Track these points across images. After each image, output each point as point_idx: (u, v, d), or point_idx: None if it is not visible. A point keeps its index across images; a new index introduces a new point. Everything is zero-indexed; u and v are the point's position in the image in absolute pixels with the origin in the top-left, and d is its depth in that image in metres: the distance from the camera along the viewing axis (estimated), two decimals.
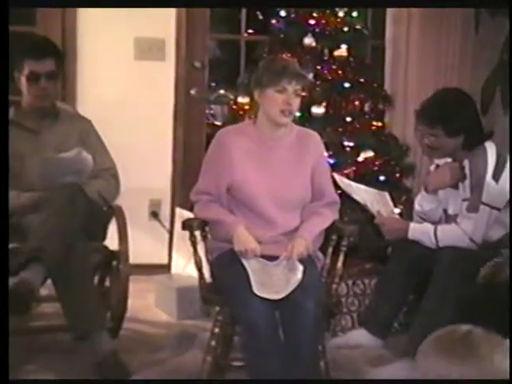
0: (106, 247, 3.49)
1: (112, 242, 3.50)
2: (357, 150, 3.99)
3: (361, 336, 3.38)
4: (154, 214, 4.74)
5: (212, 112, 5.22)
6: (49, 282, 3.14)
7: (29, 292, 3.00)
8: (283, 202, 3.04)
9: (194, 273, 3.16)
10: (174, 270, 4.43)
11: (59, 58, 3.57)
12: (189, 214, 4.08)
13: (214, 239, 3.10)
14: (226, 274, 2.96)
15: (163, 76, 4.64)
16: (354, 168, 3.92)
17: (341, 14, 4.07)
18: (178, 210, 4.44)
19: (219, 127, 4.43)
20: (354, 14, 4.11)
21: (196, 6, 4.50)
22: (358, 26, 4.15)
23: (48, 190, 3.32)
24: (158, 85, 4.64)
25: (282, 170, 3.06)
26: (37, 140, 3.54)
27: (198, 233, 3.09)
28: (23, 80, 3.49)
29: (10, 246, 3.24)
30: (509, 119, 4.34)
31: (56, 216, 3.17)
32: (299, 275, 2.88)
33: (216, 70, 5.06)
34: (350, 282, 3.77)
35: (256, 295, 2.79)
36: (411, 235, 3.30)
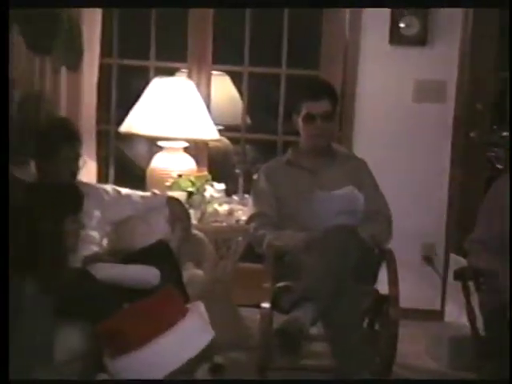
0: (376, 291, 3.45)
1: (381, 285, 3.47)
2: None
3: None
4: (427, 259, 4.62)
5: (494, 155, 5.00)
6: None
7: (299, 331, 3.04)
8: None
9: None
10: (447, 317, 4.28)
11: (334, 99, 3.64)
12: (465, 261, 3.93)
13: (489, 291, 2.94)
14: (503, 330, 2.79)
15: (441, 117, 4.53)
16: None
17: None
18: (452, 256, 4.30)
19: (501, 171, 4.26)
20: None
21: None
22: None
23: (321, 230, 3.35)
24: (436, 126, 4.55)
25: None
26: (313, 180, 3.60)
27: (471, 283, 2.95)
28: (300, 121, 3.59)
29: (284, 283, 3.33)
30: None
31: (329, 257, 3.20)
32: None
33: (499, 110, 4.84)
34: None
35: None
36: None
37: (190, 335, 2.54)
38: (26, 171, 3.53)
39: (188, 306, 2.70)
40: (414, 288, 4.19)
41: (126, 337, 2.46)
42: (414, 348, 4.06)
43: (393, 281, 3.37)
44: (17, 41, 4.04)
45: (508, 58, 4.29)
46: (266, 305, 3.26)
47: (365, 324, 3.47)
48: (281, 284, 3.34)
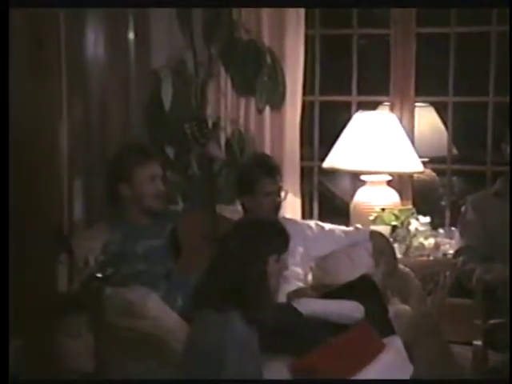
0: None
1: None
2: None
3: None
4: None
5: None
6: None
7: None
8: None
9: None
10: None
11: None
12: None
13: None
14: None
15: None
16: None
17: None
18: None
19: None
20: None
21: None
22: None
23: None
24: None
25: None
26: None
27: None
28: (509, 150, 3.46)
29: (497, 320, 3.18)
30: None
31: None
32: None
33: None
34: None
35: None
36: None
37: (386, 372, 2.46)
38: (233, 209, 3.63)
39: (384, 340, 2.62)
40: None
41: (322, 375, 2.43)
42: None
43: None
44: (224, 83, 4.23)
45: None
46: (478, 342, 3.14)
47: None
48: (494, 321, 3.20)
